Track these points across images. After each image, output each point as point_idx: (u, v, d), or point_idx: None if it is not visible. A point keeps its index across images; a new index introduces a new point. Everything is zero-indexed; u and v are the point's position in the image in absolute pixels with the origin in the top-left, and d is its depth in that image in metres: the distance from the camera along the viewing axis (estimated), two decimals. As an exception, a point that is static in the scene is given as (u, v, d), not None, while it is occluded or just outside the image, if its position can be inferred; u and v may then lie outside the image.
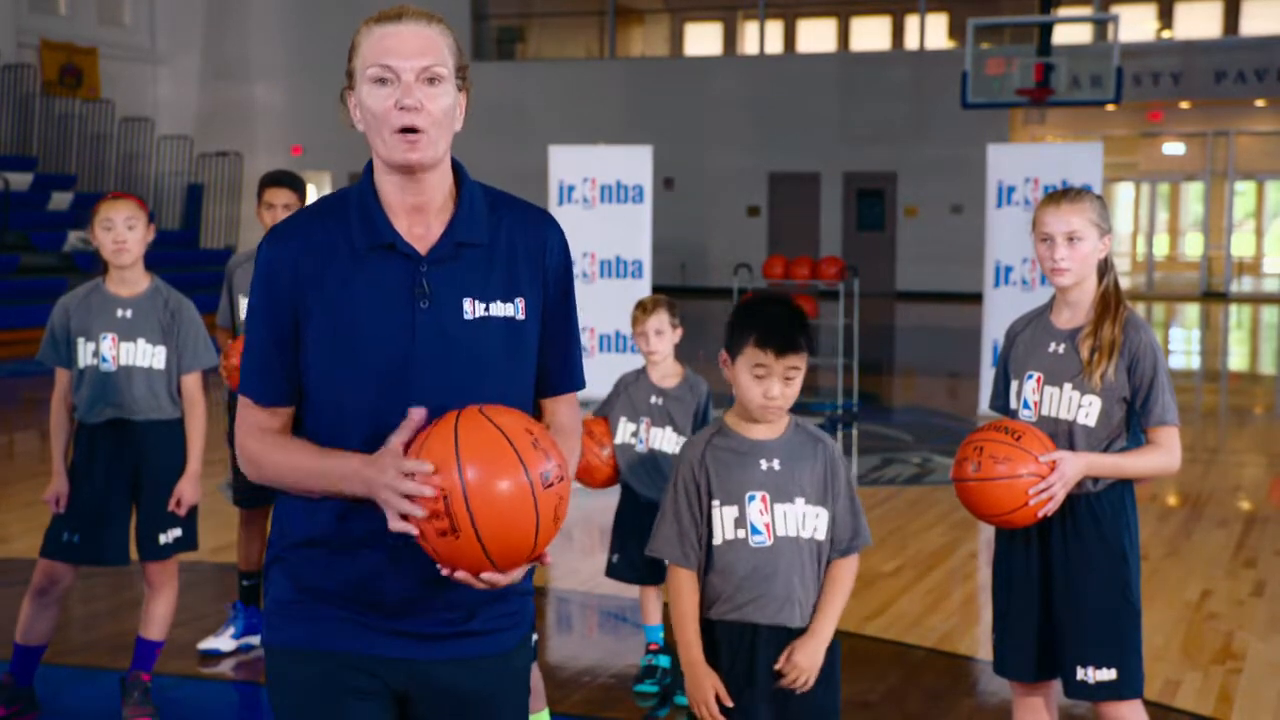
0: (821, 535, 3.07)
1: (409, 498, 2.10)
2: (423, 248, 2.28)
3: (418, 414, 2.17)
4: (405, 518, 2.12)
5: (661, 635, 5.02)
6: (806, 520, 3.06)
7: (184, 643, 5.31)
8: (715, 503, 3.05)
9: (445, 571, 2.15)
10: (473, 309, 2.28)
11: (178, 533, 4.64)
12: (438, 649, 2.31)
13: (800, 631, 3.07)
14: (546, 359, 2.40)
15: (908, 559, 6.87)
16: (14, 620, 4.67)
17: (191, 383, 4.63)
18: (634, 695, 4.93)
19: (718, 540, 3.05)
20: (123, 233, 4.46)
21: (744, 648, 3.06)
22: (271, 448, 2.30)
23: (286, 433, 2.34)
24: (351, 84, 2.28)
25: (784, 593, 3.04)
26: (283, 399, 2.32)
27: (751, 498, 3.04)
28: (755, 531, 3.03)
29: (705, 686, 3.03)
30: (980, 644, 5.50)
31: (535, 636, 4.15)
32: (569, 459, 2.38)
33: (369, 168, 2.33)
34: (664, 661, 5.01)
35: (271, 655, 2.36)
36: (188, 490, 4.59)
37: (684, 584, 3.08)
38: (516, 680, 2.43)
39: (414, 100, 2.21)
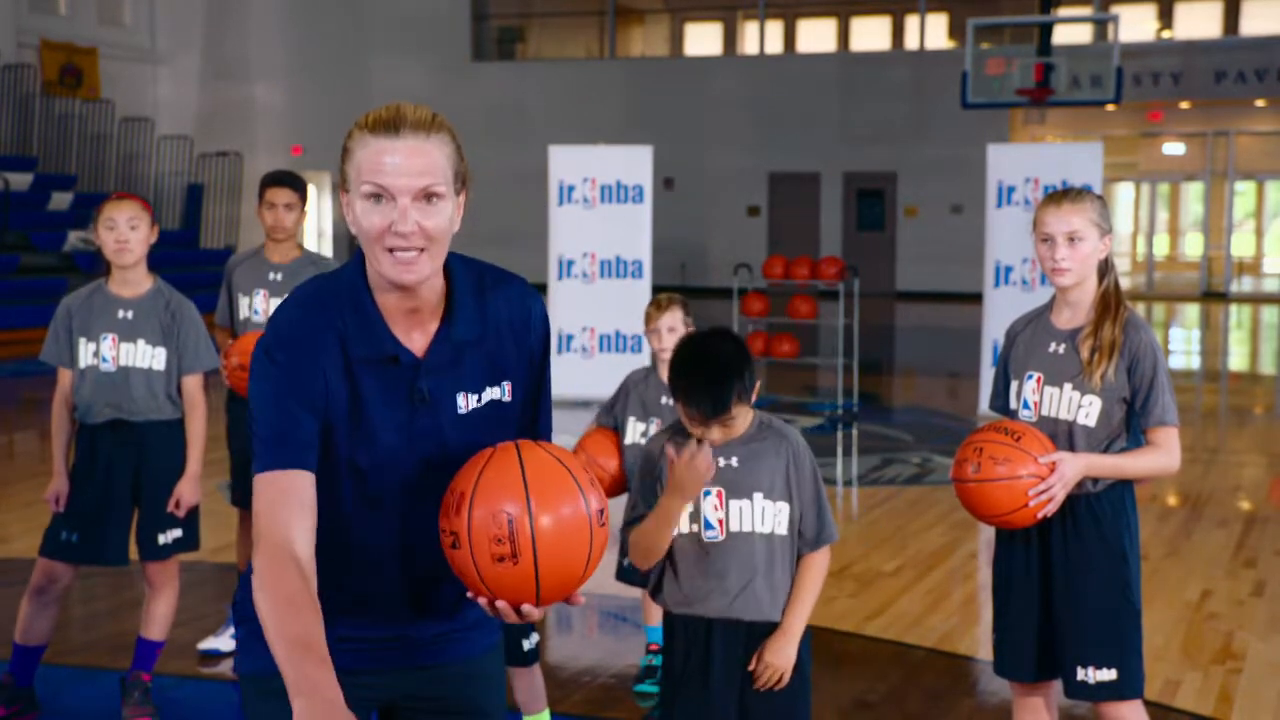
0: (783, 530, 3.10)
1: None
2: (419, 349, 2.24)
3: None
4: None
5: (662, 636, 5.00)
6: (765, 516, 3.09)
7: (184, 643, 5.31)
8: None
9: (483, 601, 2.12)
10: (466, 403, 2.26)
11: (178, 533, 4.64)
12: (413, 656, 2.33)
13: (756, 625, 3.10)
14: (522, 420, 2.37)
15: (908, 559, 6.87)
16: (14, 620, 4.67)
17: (192, 384, 4.63)
18: (634, 695, 4.93)
19: (676, 533, 3.10)
20: (125, 233, 4.47)
21: (699, 642, 3.12)
22: (300, 604, 2.05)
23: (313, 512, 2.17)
24: (346, 186, 2.19)
25: (737, 587, 3.08)
26: (315, 463, 2.19)
27: (706, 493, 3.07)
28: (708, 526, 3.08)
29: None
30: (980, 644, 5.50)
31: (536, 637, 4.15)
32: None
33: (360, 258, 2.25)
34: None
35: (245, 682, 2.31)
36: (187, 491, 4.59)
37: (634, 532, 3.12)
38: (489, 683, 2.44)
39: (409, 225, 2.12)
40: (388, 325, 2.21)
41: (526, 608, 2.12)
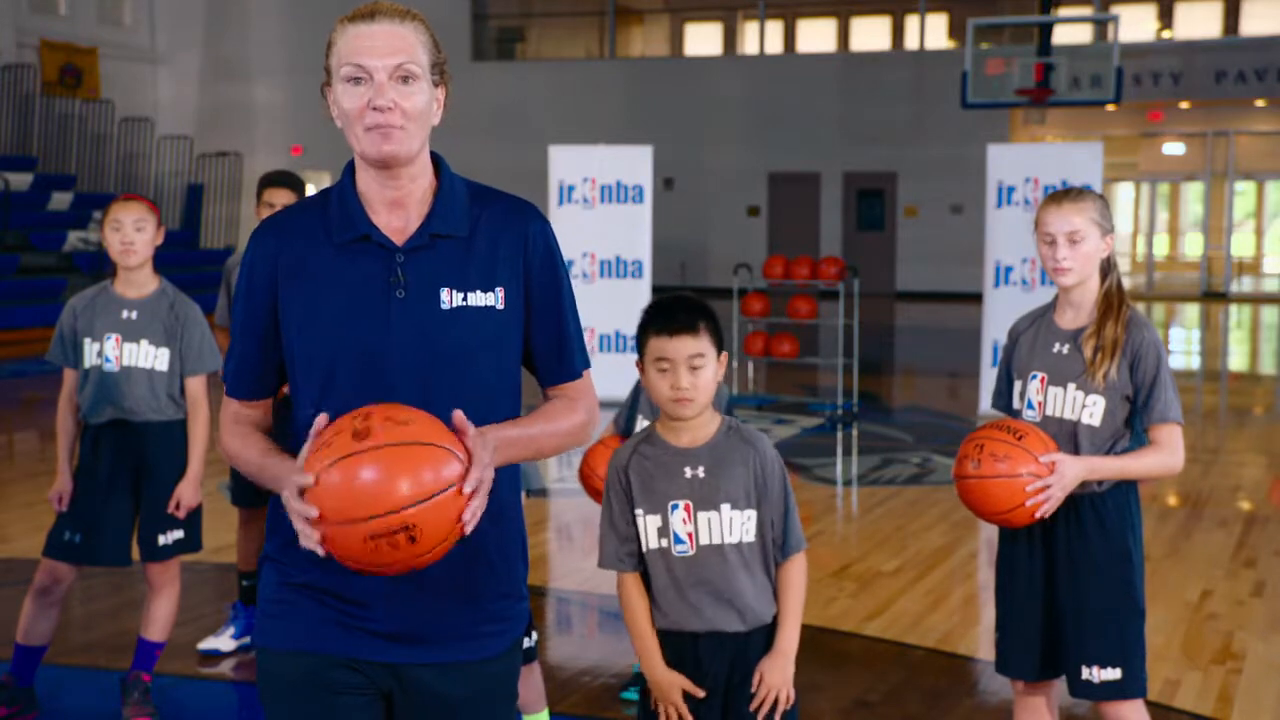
0: (751, 537, 3.02)
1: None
2: (399, 239, 2.28)
3: (320, 420, 2.13)
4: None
5: None
6: (734, 526, 3.00)
7: (184, 643, 5.31)
8: (639, 511, 3.02)
9: (468, 527, 2.10)
10: (450, 299, 2.27)
11: (178, 534, 4.64)
12: (419, 652, 2.31)
13: (738, 636, 3.02)
14: (540, 350, 2.39)
15: (908, 559, 6.87)
16: (14, 620, 4.67)
17: (195, 386, 4.64)
18: (619, 703, 4.88)
19: (645, 548, 3.03)
20: (130, 234, 4.48)
21: (687, 656, 3.03)
22: (237, 438, 2.36)
23: (265, 422, 2.39)
24: (330, 81, 2.28)
25: (713, 600, 3.00)
26: (255, 393, 2.37)
27: (674, 507, 2.99)
28: (678, 541, 3.00)
29: (672, 687, 3.01)
30: (980, 644, 5.50)
31: (535, 636, 4.14)
32: (577, 424, 2.40)
33: (350, 166, 2.34)
34: None
35: (260, 655, 2.38)
36: (187, 493, 4.59)
37: (629, 590, 3.07)
38: (501, 686, 2.41)
39: (386, 100, 2.21)
40: (366, 211, 2.29)
41: (468, 509, 2.08)
